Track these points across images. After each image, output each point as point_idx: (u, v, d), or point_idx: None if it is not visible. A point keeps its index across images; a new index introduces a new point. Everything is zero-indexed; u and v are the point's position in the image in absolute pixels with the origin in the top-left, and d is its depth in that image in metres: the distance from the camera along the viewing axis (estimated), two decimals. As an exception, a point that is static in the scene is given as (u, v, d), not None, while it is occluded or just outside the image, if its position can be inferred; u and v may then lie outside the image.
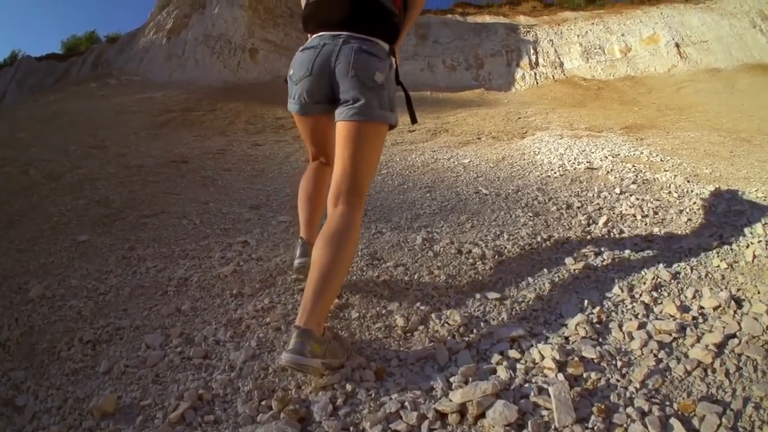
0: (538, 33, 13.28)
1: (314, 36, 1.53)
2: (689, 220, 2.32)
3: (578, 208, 2.55)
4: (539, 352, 1.27)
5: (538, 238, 2.09)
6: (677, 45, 11.46)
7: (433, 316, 1.52)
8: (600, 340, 1.34)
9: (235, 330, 1.50)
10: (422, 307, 1.56)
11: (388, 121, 1.46)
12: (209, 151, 4.69)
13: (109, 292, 1.83)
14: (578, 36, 12.90)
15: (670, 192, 2.83)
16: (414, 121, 1.60)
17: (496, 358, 1.28)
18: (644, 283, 1.62)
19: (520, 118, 7.17)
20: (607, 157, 3.78)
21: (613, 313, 1.47)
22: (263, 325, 1.52)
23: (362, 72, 1.39)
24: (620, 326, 1.39)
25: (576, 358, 1.23)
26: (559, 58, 12.56)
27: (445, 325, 1.46)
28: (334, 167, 1.45)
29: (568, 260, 1.86)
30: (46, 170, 3.83)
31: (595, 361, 1.23)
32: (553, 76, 12.10)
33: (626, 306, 1.51)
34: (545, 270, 1.80)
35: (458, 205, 2.71)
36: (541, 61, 12.56)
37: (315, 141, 1.69)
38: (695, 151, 4.23)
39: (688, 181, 3.02)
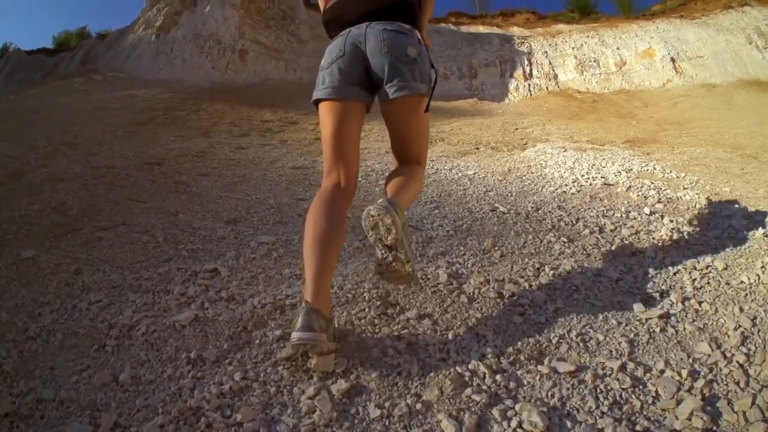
0: (533, 44, 13.15)
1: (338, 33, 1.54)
2: (733, 246, 2.07)
3: (612, 231, 2.24)
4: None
5: (588, 273, 1.74)
6: (673, 60, 11.37)
7: (495, 413, 1.07)
8: (716, 429, 1.03)
9: (189, 432, 1.05)
10: (475, 397, 1.11)
11: (424, 92, 1.47)
12: (188, 153, 4.29)
13: (39, 337, 1.46)
14: (573, 48, 12.79)
15: (699, 213, 2.60)
16: (426, 110, 1.54)
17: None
18: (728, 335, 1.35)
19: (517, 129, 6.95)
20: (620, 173, 3.57)
21: (714, 384, 1.17)
22: (231, 425, 1.06)
23: (395, 48, 1.41)
24: (730, 404, 1.09)
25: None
26: (554, 70, 12.41)
27: (518, 430, 1.04)
28: (393, 146, 1.58)
29: (637, 306, 1.51)
30: (10, 168, 3.49)
31: (724, 467, 0.90)
32: (547, 88, 11.93)
33: (722, 371, 1.21)
34: (613, 321, 1.44)
35: (474, 225, 2.36)
36: (535, 72, 12.40)
37: (340, 139, 1.45)
38: (707, 168, 4.02)
39: (713, 201, 2.81)
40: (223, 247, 2.11)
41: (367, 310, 1.47)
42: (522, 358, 1.27)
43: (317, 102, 1.49)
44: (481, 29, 14.03)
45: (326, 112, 1.46)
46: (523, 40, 13.31)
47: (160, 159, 4.00)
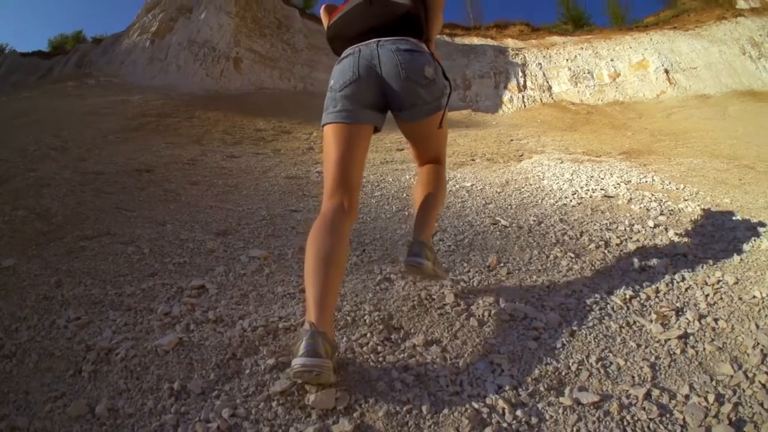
0: (527, 56, 13.23)
1: (345, 50, 1.51)
2: (741, 259, 2.02)
3: (618, 245, 2.18)
4: None
5: (599, 292, 1.66)
6: (666, 71, 11.46)
7: (518, 457, 0.98)
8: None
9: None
10: (496, 439, 1.01)
11: (442, 108, 1.49)
12: (179, 161, 4.19)
13: (14, 356, 1.35)
14: (567, 60, 12.86)
15: (703, 225, 2.55)
16: (439, 126, 1.55)
17: None
18: (747, 353, 1.31)
19: (512, 140, 6.94)
20: (620, 184, 3.53)
21: (740, 407, 1.11)
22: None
23: (413, 71, 1.39)
24: (756, 428, 1.06)
25: None
26: (548, 82, 12.47)
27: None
28: (415, 155, 1.66)
29: (654, 328, 1.44)
30: (-3, 172, 3.39)
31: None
32: (541, 100, 11.97)
33: (745, 392, 1.16)
34: (632, 344, 1.36)
35: (476, 239, 2.27)
36: (529, 84, 12.45)
37: (347, 163, 1.39)
38: (705, 179, 4.00)
39: (714, 212, 2.78)
40: (212, 261, 2.00)
41: (369, 335, 1.36)
42: (542, 388, 1.16)
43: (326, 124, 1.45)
44: (476, 41, 14.09)
45: (335, 135, 1.40)
46: (517, 52, 13.38)
47: (150, 166, 3.90)
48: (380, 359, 1.26)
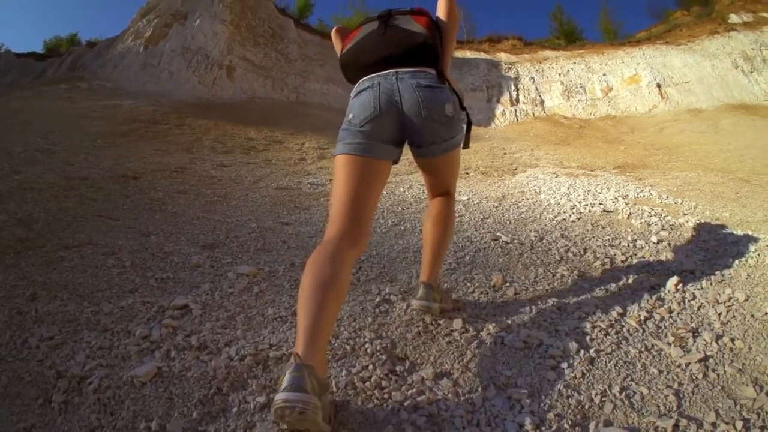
0: (520, 70, 13.32)
1: (362, 80, 1.47)
2: (748, 275, 1.97)
3: (624, 262, 2.11)
4: None
5: (612, 313, 1.58)
6: (659, 85, 11.57)
7: None
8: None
9: None
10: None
11: (459, 144, 1.54)
12: (167, 168, 4.08)
13: (-17, 379, 1.23)
14: (559, 74, 12.96)
15: (705, 240, 2.50)
16: (466, 146, 1.61)
17: None
18: (766, 374, 1.27)
19: (505, 153, 6.93)
20: (618, 199, 3.49)
21: None
22: None
23: (434, 110, 1.38)
24: None
25: None
26: (540, 96, 12.55)
27: None
28: (426, 185, 1.68)
29: (674, 351, 1.37)
30: (-20, 173, 3.27)
31: None
32: (533, 114, 12.04)
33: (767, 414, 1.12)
34: (654, 370, 1.28)
35: (478, 256, 2.18)
36: (521, 97, 12.53)
37: (361, 198, 1.32)
38: (702, 193, 4.00)
39: (715, 227, 2.74)
40: (197, 277, 1.88)
41: (371, 367, 1.23)
42: (566, 425, 1.06)
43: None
44: (468, 54, 14.17)
45: (349, 168, 1.33)
46: (510, 66, 13.47)
47: (137, 173, 3.79)
48: (385, 396, 1.13)
